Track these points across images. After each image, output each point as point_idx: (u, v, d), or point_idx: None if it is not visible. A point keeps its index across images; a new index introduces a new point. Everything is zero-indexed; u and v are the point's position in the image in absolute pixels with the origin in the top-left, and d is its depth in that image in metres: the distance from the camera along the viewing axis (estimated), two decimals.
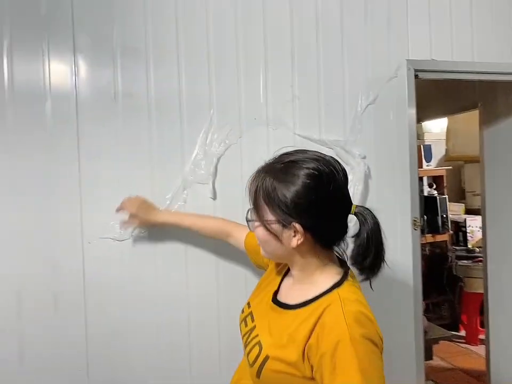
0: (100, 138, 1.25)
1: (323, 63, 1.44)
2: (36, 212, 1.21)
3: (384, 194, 1.52)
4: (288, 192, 0.78)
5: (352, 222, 0.85)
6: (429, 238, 3.39)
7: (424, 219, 3.19)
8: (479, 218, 2.88)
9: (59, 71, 1.23)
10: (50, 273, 1.22)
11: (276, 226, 0.81)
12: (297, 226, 0.78)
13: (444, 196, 3.47)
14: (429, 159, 3.67)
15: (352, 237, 0.84)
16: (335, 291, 0.80)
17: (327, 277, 0.83)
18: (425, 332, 1.90)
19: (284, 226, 0.80)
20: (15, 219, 1.20)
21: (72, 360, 1.23)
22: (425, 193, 3.53)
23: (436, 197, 3.45)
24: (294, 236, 0.80)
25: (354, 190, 1.45)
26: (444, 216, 3.42)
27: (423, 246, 3.10)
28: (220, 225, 1.24)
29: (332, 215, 0.80)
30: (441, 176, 3.65)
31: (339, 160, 0.85)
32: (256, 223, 0.84)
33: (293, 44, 1.41)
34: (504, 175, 2.05)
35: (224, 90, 1.35)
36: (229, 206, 1.33)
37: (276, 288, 0.92)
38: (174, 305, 1.31)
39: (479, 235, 3.24)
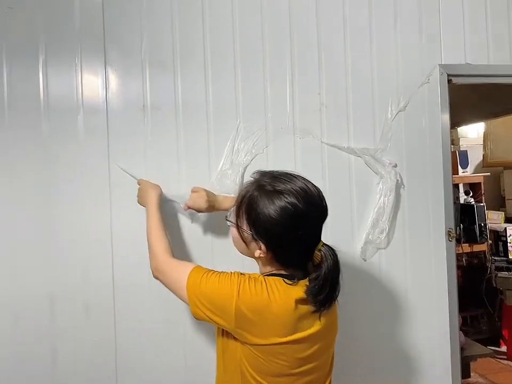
0: (129, 148, 1.28)
1: (351, 69, 1.41)
2: (67, 221, 1.25)
3: (417, 204, 1.47)
4: (264, 215, 0.85)
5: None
6: (466, 247, 3.23)
7: (460, 228, 3.06)
8: None
9: (91, 84, 1.27)
10: (80, 280, 1.25)
11: (246, 235, 0.90)
12: (262, 245, 0.88)
13: (482, 204, 3.31)
14: (465, 165, 3.52)
15: (315, 272, 0.88)
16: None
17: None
18: (462, 349, 1.80)
19: (253, 238, 0.89)
20: (48, 228, 1.24)
21: (101, 368, 1.25)
22: (462, 201, 3.38)
23: (473, 205, 3.29)
24: (259, 249, 0.89)
25: (385, 200, 1.41)
26: (482, 224, 3.26)
27: (459, 256, 2.97)
28: None
29: (295, 247, 0.87)
30: (479, 183, 3.48)
31: (323, 195, 0.90)
32: (233, 224, 0.92)
33: (319, 51, 1.39)
34: None
35: (251, 100, 1.34)
36: None
37: None
38: None
39: None
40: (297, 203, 0.84)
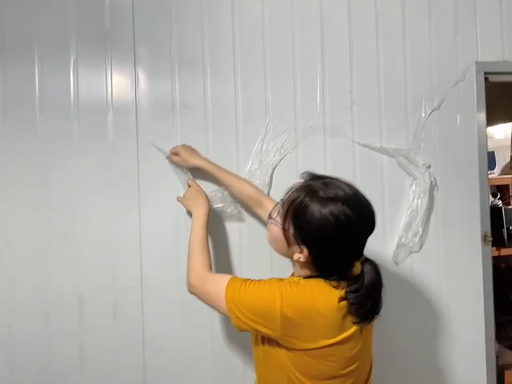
0: (158, 148, 1.27)
1: (383, 66, 1.37)
2: (96, 221, 1.24)
3: (451, 206, 1.41)
4: (314, 222, 0.83)
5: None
6: (494, 251, 3.13)
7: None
8: None
9: (121, 84, 1.27)
10: (110, 281, 1.24)
11: (290, 237, 0.87)
12: (305, 250, 0.85)
13: (510, 207, 3.21)
14: (492, 167, 3.41)
15: (354, 284, 0.86)
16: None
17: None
18: (497, 357, 1.73)
19: (295, 242, 0.86)
20: (77, 228, 1.24)
21: (129, 370, 1.24)
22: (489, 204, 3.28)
23: (500, 207, 3.19)
24: (299, 253, 0.86)
25: (419, 202, 1.36)
26: (510, 228, 3.16)
27: None
28: (255, 193, 1.22)
29: (338, 257, 0.85)
30: (507, 185, 3.37)
31: (373, 208, 0.89)
32: (276, 224, 0.89)
33: (351, 48, 1.36)
34: None
35: (280, 98, 1.32)
36: None
37: None
38: None
39: None
40: (350, 213, 0.82)
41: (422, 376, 1.40)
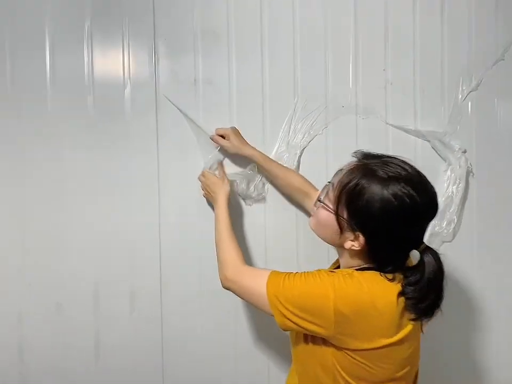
0: (179, 125, 1.18)
1: (420, 44, 1.28)
2: (113, 204, 1.16)
3: (487, 194, 1.33)
4: (373, 205, 0.74)
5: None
6: None
7: None
8: None
9: (139, 57, 1.18)
10: (127, 271, 1.17)
11: (342, 223, 0.78)
12: (361, 238, 0.77)
13: None
14: None
15: (413, 275, 0.77)
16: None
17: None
18: None
19: (349, 228, 0.78)
20: (92, 211, 1.16)
21: (147, 361, 1.17)
22: None
23: None
24: (352, 241, 0.78)
25: (453, 189, 1.28)
26: None
27: None
28: (303, 184, 1.14)
29: (399, 245, 0.77)
30: None
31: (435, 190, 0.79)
32: (326, 208, 0.81)
33: (386, 23, 1.26)
34: None
35: (310, 75, 1.23)
36: None
37: None
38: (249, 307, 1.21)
39: None
40: (415, 195, 0.73)
41: (455, 370, 1.33)
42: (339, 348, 0.76)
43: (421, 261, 0.77)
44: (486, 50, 1.31)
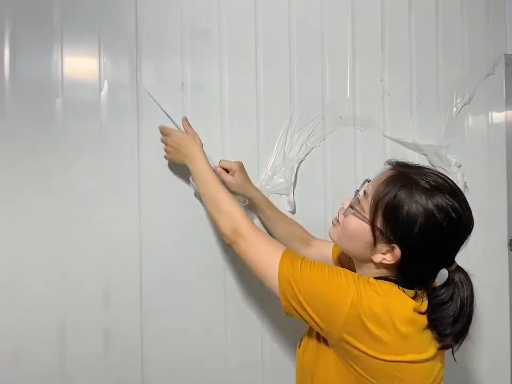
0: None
1: (416, 55, 1.24)
2: (85, 216, 1.00)
3: (476, 208, 1.30)
4: (415, 216, 0.68)
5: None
6: None
7: None
8: None
9: (118, 55, 1.03)
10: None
11: (377, 234, 0.71)
12: (397, 251, 0.70)
13: None
14: None
15: (442, 295, 0.71)
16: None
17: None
18: None
19: (384, 241, 0.71)
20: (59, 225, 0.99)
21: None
22: None
23: None
24: (383, 254, 0.72)
25: None
26: None
27: None
28: (304, 233, 1.07)
29: (435, 261, 0.71)
30: None
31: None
32: (359, 217, 0.73)
33: (383, 34, 1.21)
34: None
35: (306, 84, 1.14)
36: (310, 220, 1.11)
37: None
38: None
39: None
40: (458, 207, 0.68)
41: (446, 376, 1.29)
42: (341, 357, 0.70)
43: (449, 281, 0.72)
44: (478, 64, 1.30)
